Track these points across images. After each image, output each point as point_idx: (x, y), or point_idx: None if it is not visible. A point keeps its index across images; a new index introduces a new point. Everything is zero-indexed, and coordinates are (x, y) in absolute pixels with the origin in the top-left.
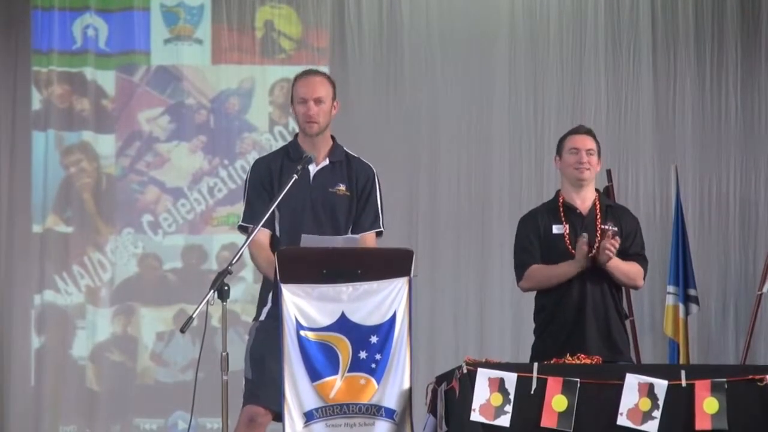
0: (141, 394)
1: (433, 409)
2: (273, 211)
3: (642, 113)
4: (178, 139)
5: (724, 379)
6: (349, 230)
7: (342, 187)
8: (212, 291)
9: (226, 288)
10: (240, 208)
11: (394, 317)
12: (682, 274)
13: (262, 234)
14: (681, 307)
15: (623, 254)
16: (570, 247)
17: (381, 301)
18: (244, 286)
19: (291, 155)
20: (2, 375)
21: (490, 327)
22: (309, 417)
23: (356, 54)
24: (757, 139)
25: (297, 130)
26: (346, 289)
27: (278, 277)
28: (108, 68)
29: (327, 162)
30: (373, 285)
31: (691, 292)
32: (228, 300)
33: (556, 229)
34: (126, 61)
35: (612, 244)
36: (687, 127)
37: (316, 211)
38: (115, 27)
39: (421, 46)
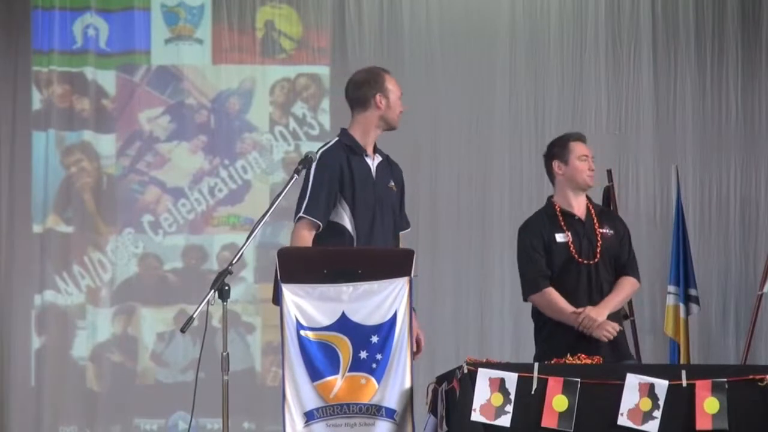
0: (141, 394)
1: (433, 409)
2: (330, 205)
3: (642, 113)
4: (178, 139)
5: (725, 379)
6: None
7: (392, 184)
8: (213, 291)
9: (226, 288)
10: (240, 208)
11: (394, 317)
12: (683, 274)
13: (309, 230)
14: (681, 307)
15: (618, 260)
16: (575, 254)
17: (381, 301)
18: (245, 287)
19: (355, 150)
20: (2, 375)
21: (490, 327)
22: (309, 417)
23: (356, 54)
24: (757, 139)
25: (298, 130)
26: (346, 289)
27: (279, 277)
28: (108, 68)
29: (380, 158)
30: (374, 285)
31: (692, 292)
32: (228, 300)
33: (559, 237)
34: (126, 60)
35: (609, 332)
36: (687, 127)
37: (382, 207)
38: (116, 27)
39: (422, 46)
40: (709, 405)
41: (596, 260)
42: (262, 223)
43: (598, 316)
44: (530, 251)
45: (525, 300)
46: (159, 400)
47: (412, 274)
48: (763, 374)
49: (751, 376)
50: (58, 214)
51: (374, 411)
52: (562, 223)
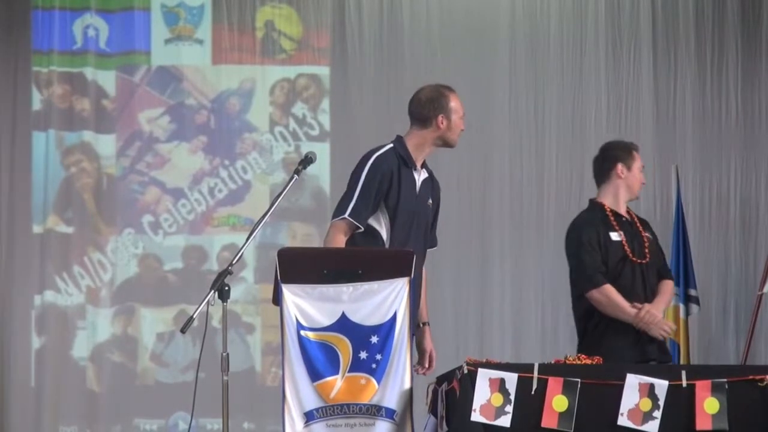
0: (141, 394)
1: (433, 410)
2: (375, 209)
3: (642, 113)
4: (178, 140)
5: (725, 380)
6: None
7: (430, 201)
8: (213, 291)
9: (226, 288)
10: (239, 208)
11: (394, 317)
12: (683, 275)
13: (346, 233)
14: (681, 307)
15: (657, 264)
16: (629, 253)
17: (381, 301)
18: (245, 287)
19: (406, 162)
20: (2, 375)
21: (490, 327)
22: (309, 417)
23: (356, 54)
24: (757, 139)
25: (298, 130)
26: (346, 290)
27: (279, 277)
28: (108, 68)
29: (426, 174)
30: (374, 285)
31: (692, 292)
32: (228, 300)
33: (614, 236)
34: (126, 61)
35: (666, 331)
36: (687, 127)
37: (418, 223)
38: (116, 27)
39: (422, 47)
40: (709, 405)
41: (647, 260)
42: (262, 224)
43: (658, 313)
44: (587, 246)
45: (582, 295)
46: (159, 400)
47: (412, 275)
48: (763, 374)
49: (751, 377)
50: (58, 214)
51: (374, 411)
52: (614, 223)
